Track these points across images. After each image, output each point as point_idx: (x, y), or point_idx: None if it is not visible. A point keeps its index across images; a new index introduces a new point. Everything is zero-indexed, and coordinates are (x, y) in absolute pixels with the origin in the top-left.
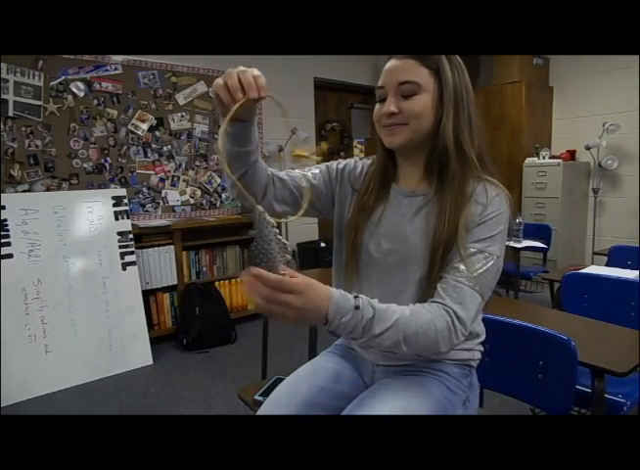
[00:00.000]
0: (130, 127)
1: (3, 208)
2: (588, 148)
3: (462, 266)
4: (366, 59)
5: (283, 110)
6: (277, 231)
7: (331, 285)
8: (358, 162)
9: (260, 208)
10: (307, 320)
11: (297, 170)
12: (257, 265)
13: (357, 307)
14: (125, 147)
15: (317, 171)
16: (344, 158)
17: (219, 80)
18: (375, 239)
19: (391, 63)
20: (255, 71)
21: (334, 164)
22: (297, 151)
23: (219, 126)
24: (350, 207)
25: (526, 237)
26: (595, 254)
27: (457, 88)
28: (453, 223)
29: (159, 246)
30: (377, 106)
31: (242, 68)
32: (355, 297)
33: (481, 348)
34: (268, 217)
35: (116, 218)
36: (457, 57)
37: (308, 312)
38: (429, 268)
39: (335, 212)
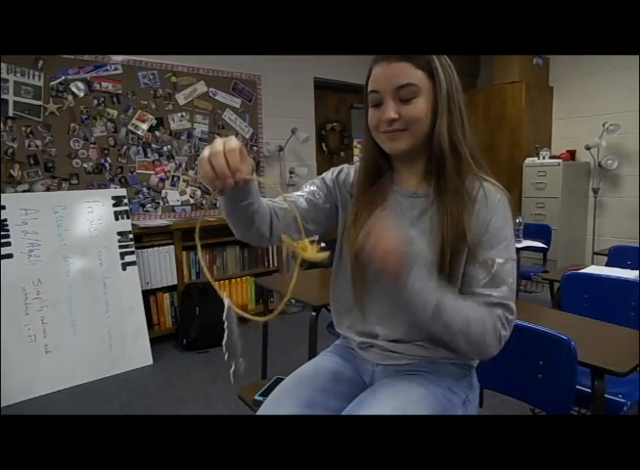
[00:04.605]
0: (130, 127)
1: (3, 208)
2: (588, 148)
3: (491, 286)
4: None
5: (264, 183)
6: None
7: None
8: (350, 168)
9: (228, 301)
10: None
11: (294, 193)
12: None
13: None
14: (125, 147)
15: (315, 188)
16: (344, 158)
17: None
18: None
19: (384, 66)
20: (231, 144)
21: (327, 175)
22: (286, 240)
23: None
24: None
25: (526, 237)
26: (595, 254)
27: (449, 88)
28: (459, 225)
29: (159, 246)
30: (371, 111)
31: (215, 146)
32: None
33: None
34: (233, 312)
35: (116, 218)
36: (445, 56)
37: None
38: (437, 273)
39: (339, 219)
